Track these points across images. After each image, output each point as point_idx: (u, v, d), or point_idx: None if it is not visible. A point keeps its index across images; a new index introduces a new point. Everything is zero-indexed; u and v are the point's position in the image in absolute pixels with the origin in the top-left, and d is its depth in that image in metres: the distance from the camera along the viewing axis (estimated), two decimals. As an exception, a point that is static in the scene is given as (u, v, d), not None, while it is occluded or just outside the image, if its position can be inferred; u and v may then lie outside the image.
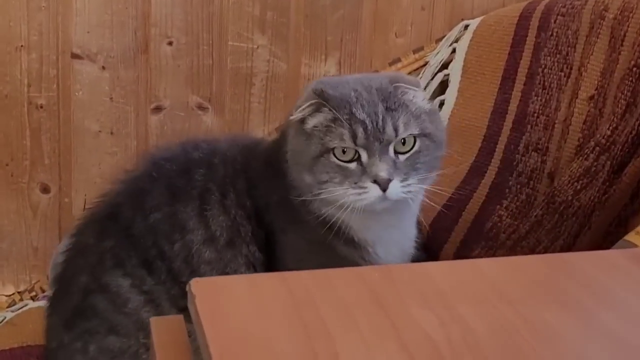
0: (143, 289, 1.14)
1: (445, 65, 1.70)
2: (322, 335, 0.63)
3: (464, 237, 1.48)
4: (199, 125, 1.72)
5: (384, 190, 1.06)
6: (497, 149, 1.50)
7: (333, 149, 1.08)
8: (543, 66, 1.46)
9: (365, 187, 1.06)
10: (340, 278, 0.73)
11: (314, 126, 1.10)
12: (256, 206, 1.17)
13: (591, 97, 1.34)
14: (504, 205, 1.44)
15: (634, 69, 1.25)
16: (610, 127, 1.25)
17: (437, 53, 1.73)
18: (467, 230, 1.48)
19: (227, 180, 1.18)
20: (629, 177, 1.21)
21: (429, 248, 1.46)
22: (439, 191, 1.15)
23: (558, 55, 1.44)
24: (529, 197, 1.41)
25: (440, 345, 0.61)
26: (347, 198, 1.07)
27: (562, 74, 1.42)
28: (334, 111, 1.08)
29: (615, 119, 1.25)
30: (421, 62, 1.74)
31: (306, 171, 1.11)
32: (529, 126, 1.45)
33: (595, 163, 1.25)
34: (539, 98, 1.45)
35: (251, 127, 1.74)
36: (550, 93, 1.43)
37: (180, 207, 1.16)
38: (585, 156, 1.27)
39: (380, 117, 1.07)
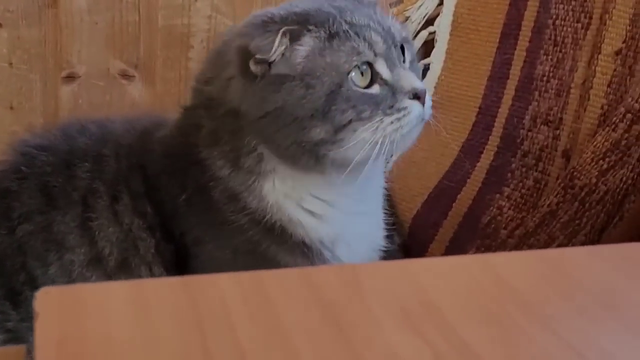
0: (7, 327, 1.05)
1: (430, 22, 1.64)
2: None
3: (455, 234, 1.44)
4: (122, 98, 1.68)
5: (424, 104, 1.00)
6: (496, 124, 1.45)
7: (349, 72, 0.97)
8: (554, 16, 1.40)
9: (406, 107, 0.99)
10: (275, 282, 0.53)
11: (302, 61, 0.98)
12: (161, 213, 1.06)
13: (618, 52, 1.27)
14: (506, 193, 1.38)
15: (676, 11, 1.20)
16: (646, 88, 1.19)
17: (420, 6, 1.66)
18: (459, 225, 1.44)
19: (119, 178, 1.08)
20: (673, 149, 1.15)
21: (410, 249, 1.45)
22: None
23: (573, 2, 1.37)
24: (537, 182, 1.36)
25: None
26: (386, 130, 0.98)
27: (579, 24, 1.35)
28: (327, 27, 0.98)
29: (651, 76, 1.19)
30: (400, 19, 1.67)
31: (315, 123, 0.97)
32: (537, 93, 1.39)
33: (627, 134, 1.18)
34: (550, 57, 1.39)
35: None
36: (564, 50, 1.37)
37: (57, 216, 1.07)
38: (613, 126, 1.20)
39: (379, 17, 1.02)
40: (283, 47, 0.97)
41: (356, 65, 0.97)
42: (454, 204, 1.44)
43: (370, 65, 0.98)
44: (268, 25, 0.97)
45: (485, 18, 1.52)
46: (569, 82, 1.33)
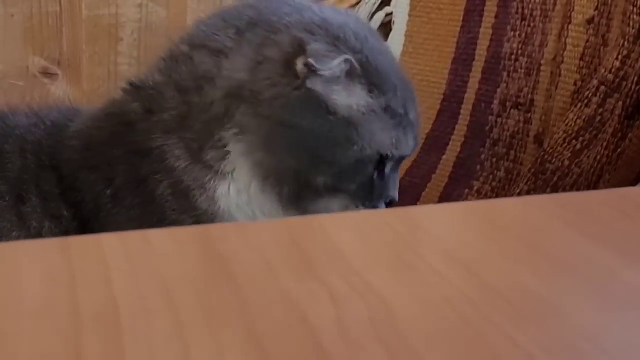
0: None
1: (386, 1, 1.63)
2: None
3: (421, 234, 1.42)
4: (45, 99, 1.65)
5: None
6: (462, 111, 1.46)
7: (383, 156, 1.03)
8: None
9: (378, 203, 1.05)
10: (163, 238, 0.53)
11: (352, 106, 1.00)
12: (80, 216, 1.04)
13: (590, 20, 1.28)
14: (475, 187, 1.40)
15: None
16: (620, 57, 1.18)
17: None
18: (425, 224, 1.41)
19: (25, 177, 1.05)
20: (650, 120, 1.16)
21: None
22: None
23: None
24: (509, 173, 1.37)
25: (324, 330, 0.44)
26: None
27: None
28: (382, 96, 1.02)
29: (625, 43, 1.18)
30: (354, 0, 1.68)
31: (328, 171, 1.01)
32: (505, 74, 1.40)
33: (601, 110, 1.19)
34: (518, 33, 1.40)
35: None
36: (532, 24, 1.38)
37: None
38: (586, 102, 1.21)
39: (416, 119, 1.08)
40: (339, 73, 0.98)
41: (390, 155, 1.03)
42: (418, 202, 1.44)
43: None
44: (338, 41, 0.99)
45: (447, -5, 1.54)
46: (539, 59, 1.34)
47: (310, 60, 0.96)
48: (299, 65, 0.97)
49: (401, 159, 1.06)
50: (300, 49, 0.98)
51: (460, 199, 1.39)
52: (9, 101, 1.60)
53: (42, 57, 1.65)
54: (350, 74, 0.98)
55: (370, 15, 1.63)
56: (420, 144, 1.45)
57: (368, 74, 1.00)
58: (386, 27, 1.60)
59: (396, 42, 1.58)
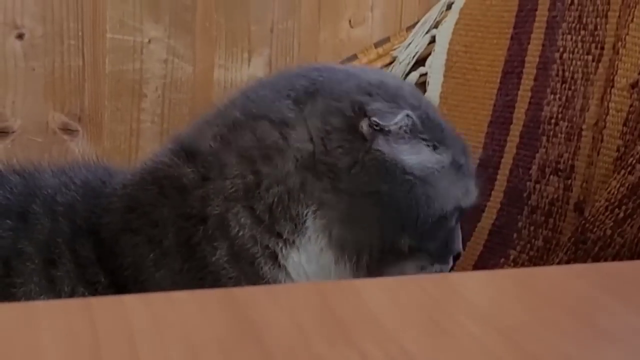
0: None
1: (420, 62, 1.66)
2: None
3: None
4: (64, 156, 1.63)
5: None
6: (498, 177, 1.45)
7: (460, 209, 1.09)
8: (561, 49, 1.41)
9: (447, 265, 1.10)
10: (190, 301, 0.53)
11: (420, 165, 1.05)
12: (118, 280, 1.05)
13: (633, 84, 1.27)
14: (512, 257, 1.39)
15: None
16: (666, 122, 1.19)
17: (409, 44, 1.69)
18: (458, 296, 1.41)
19: (57, 240, 1.05)
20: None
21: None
22: None
23: (583, 32, 1.39)
24: (547, 242, 1.35)
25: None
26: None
27: (590, 56, 1.37)
28: (448, 150, 1.08)
29: (672, 109, 1.19)
30: (387, 59, 1.71)
31: (410, 233, 1.04)
32: (545, 138, 1.40)
33: None
34: (558, 96, 1.40)
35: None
36: (573, 87, 1.38)
37: None
38: (630, 168, 1.19)
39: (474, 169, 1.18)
40: (404, 127, 1.02)
41: (460, 207, 1.08)
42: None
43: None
44: (397, 98, 1.04)
45: (484, 55, 1.55)
46: (580, 124, 1.34)
47: (374, 119, 1.00)
48: (364, 127, 1.01)
49: (465, 210, 1.10)
50: (361, 111, 1.01)
51: (496, 268, 1.38)
52: (26, 158, 1.55)
53: (63, 113, 1.65)
54: (413, 131, 1.03)
55: (404, 75, 1.65)
56: (455, 210, 1.48)
57: (430, 129, 1.05)
58: (420, 88, 1.61)
59: (430, 104, 1.58)
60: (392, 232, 1.04)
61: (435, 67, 1.62)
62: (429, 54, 1.65)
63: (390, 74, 1.13)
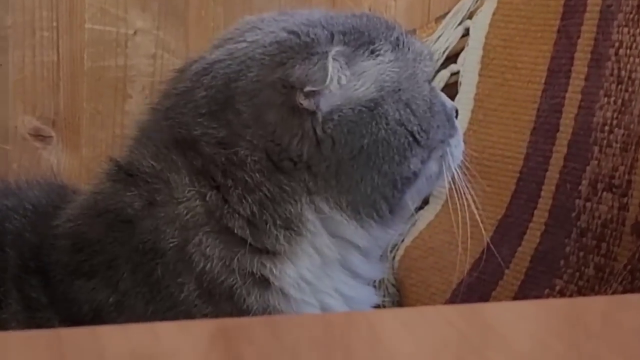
0: None
1: (452, 58, 1.69)
2: None
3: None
4: (36, 166, 1.67)
5: None
6: (542, 194, 1.47)
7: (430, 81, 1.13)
8: (617, 44, 1.42)
9: (456, 127, 1.15)
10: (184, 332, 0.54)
11: (383, 78, 1.08)
12: (74, 322, 1.05)
13: None
14: (558, 287, 1.39)
15: None
16: None
17: (439, 38, 1.71)
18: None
19: (3, 276, 1.08)
20: None
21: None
22: None
23: None
24: (599, 270, 1.35)
25: None
26: (453, 154, 1.14)
27: None
28: (383, 41, 1.09)
29: None
30: None
31: (415, 151, 1.08)
32: (597, 149, 1.40)
33: None
34: (612, 99, 1.40)
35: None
36: (631, 89, 1.38)
37: None
38: None
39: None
40: (338, 69, 1.04)
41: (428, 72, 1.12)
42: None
43: None
44: (312, 45, 1.04)
45: (526, 51, 1.56)
46: (639, 132, 1.33)
47: (307, 89, 1.01)
48: (302, 102, 1.02)
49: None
50: (287, 87, 1.02)
51: (540, 297, 1.38)
52: (-7, 168, 1.63)
53: (34, 116, 1.66)
54: (347, 59, 1.04)
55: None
56: (491, 232, 1.48)
57: (355, 40, 1.06)
58: (451, 89, 1.63)
59: (463, 107, 1.60)
60: (399, 163, 1.07)
61: (469, 65, 1.63)
62: (462, 49, 1.67)
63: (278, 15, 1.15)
